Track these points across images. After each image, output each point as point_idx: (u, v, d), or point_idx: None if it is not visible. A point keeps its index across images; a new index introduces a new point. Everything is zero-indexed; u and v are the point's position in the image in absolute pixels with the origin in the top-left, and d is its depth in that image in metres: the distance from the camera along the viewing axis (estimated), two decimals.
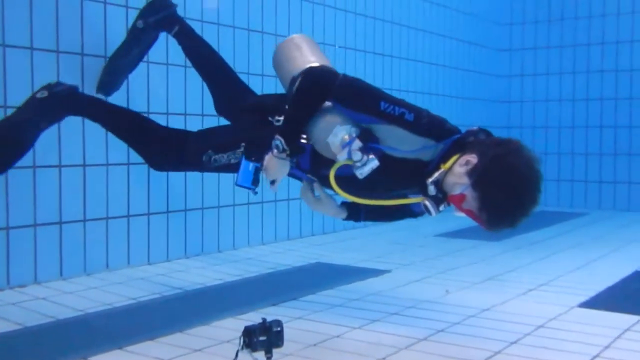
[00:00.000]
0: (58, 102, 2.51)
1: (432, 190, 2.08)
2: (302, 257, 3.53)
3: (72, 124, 2.76)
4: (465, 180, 2.02)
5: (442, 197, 2.08)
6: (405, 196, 2.23)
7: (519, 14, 6.30)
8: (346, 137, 2.08)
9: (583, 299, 2.68)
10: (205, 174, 3.24)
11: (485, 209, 2.02)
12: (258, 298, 2.63)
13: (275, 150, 2.17)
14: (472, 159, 2.04)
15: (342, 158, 2.10)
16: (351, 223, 4.57)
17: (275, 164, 2.21)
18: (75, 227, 2.90)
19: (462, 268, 3.32)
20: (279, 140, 2.16)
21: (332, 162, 2.16)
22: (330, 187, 2.20)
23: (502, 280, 3.05)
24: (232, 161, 2.38)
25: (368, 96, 2.13)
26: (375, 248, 3.88)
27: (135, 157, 2.63)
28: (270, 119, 2.32)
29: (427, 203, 2.08)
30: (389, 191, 2.25)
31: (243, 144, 2.36)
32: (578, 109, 6.02)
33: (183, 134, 2.58)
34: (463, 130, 2.18)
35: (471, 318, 2.39)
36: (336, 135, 2.10)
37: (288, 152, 2.17)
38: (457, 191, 2.04)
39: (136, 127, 2.58)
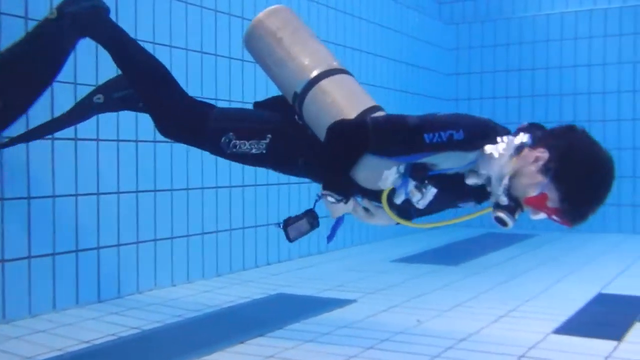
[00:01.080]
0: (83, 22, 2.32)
1: (504, 200, 1.90)
2: (261, 289, 3.38)
3: None
4: (541, 178, 1.87)
5: (515, 205, 1.90)
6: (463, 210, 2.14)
7: (465, 39, 6.39)
8: (398, 180, 1.96)
9: (556, 324, 2.63)
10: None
11: (571, 201, 1.86)
12: (223, 335, 2.46)
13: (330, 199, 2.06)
14: (541, 154, 1.88)
15: (399, 200, 1.98)
16: (307, 249, 4.53)
17: (340, 209, 2.10)
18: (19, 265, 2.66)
19: (428, 295, 3.24)
20: (329, 195, 2.03)
21: None
22: (379, 202, 2.09)
23: (470, 306, 2.99)
24: (253, 151, 2.19)
25: (409, 138, 1.92)
26: (334, 276, 3.77)
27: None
28: (297, 118, 2.19)
29: (502, 215, 1.90)
30: (443, 207, 2.13)
31: (269, 136, 2.17)
32: None
33: (208, 106, 2.35)
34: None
35: (450, 350, 2.30)
36: (387, 179, 1.96)
37: (345, 200, 2.05)
38: (535, 192, 1.88)
39: (161, 77, 2.34)
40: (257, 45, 2.25)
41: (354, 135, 1.99)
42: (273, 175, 4.15)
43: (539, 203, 1.87)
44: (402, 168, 1.95)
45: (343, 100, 2.11)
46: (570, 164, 1.86)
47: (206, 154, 2.36)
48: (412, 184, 1.93)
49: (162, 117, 2.33)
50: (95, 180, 2.98)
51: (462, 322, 2.70)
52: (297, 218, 2.12)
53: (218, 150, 2.26)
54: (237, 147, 2.21)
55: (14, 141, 2.48)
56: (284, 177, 4.24)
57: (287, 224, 2.13)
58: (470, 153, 1.90)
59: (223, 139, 2.21)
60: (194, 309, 2.91)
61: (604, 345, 2.34)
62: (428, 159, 1.95)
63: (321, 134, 2.10)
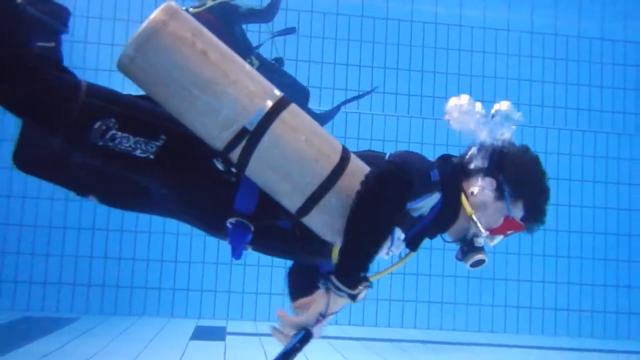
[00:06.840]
0: None
1: (481, 242, 1.83)
2: None
3: None
4: (500, 203, 1.84)
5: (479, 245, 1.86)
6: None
7: None
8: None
9: None
10: None
11: (534, 208, 1.88)
12: None
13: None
14: (485, 182, 1.83)
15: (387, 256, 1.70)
16: None
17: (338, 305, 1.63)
18: None
19: None
20: (355, 291, 1.56)
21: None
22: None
23: None
24: (137, 153, 1.54)
25: (425, 177, 1.72)
26: None
27: None
28: (215, 161, 1.61)
29: (482, 256, 1.84)
30: None
31: (164, 137, 1.56)
32: None
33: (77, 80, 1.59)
34: None
35: None
36: (399, 237, 1.71)
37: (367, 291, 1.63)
38: (500, 220, 1.84)
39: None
40: (159, 62, 1.49)
41: (400, 180, 1.61)
42: None
43: (510, 226, 1.87)
44: None
45: (317, 140, 1.63)
46: (520, 177, 1.87)
47: None
48: (400, 237, 1.71)
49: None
50: None
51: None
52: (295, 351, 1.60)
53: (77, 140, 1.53)
54: (116, 141, 1.53)
55: None
56: None
57: None
58: (436, 193, 1.77)
59: (98, 124, 1.51)
60: None
61: None
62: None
63: (282, 185, 1.59)
